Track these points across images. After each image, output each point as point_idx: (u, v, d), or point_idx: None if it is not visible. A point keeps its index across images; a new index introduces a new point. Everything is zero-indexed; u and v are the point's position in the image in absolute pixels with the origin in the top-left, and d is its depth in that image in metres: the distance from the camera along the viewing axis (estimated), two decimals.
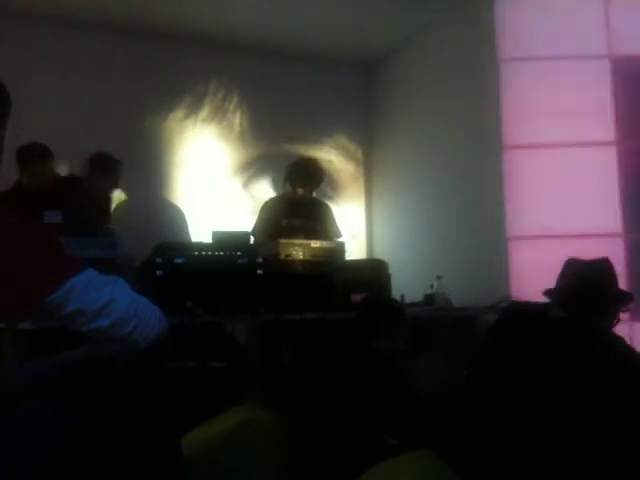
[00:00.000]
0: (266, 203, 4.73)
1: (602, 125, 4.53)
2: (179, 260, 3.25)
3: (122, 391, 1.68)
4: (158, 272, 3.20)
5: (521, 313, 2.18)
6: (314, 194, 4.63)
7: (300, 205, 4.53)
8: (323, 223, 4.59)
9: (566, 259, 2.61)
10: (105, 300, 1.58)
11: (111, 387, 1.65)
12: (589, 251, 2.77)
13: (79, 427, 1.57)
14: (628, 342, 2.39)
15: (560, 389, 1.89)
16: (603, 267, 2.54)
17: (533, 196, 4.45)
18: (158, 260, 3.23)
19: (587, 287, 2.44)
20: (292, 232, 4.22)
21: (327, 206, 4.75)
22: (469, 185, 4.84)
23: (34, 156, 4.05)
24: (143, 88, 5.34)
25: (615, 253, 4.06)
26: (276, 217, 4.48)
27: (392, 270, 3.97)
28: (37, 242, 1.58)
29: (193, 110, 5.71)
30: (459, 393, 2.20)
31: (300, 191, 4.51)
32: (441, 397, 2.34)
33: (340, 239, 4.46)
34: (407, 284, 4.12)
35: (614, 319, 2.43)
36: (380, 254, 5.68)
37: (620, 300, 2.48)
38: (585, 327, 2.30)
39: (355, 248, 5.84)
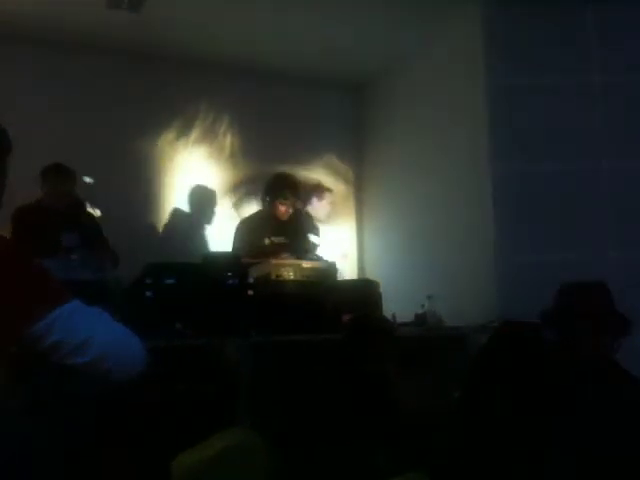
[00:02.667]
0: (243, 222, 4.70)
1: (593, 148, 4.55)
2: (169, 281, 3.22)
3: (122, 405, 1.66)
4: (148, 293, 3.17)
5: (515, 333, 2.17)
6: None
7: (280, 222, 4.51)
8: (303, 237, 4.57)
9: (561, 282, 2.60)
10: (86, 335, 1.54)
11: (111, 401, 1.63)
12: (579, 271, 2.76)
13: (78, 436, 1.55)
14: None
15: (556, 409, 1.88)
16: (599, 290, 2.53)
17: (524, 217, 4.44)
18: (148, 281, 3.20)
19: (583, 310, 2.43)
20: (275, 251, 4.20)
21: (307, 215, 4.73)
22: (460, 205, 4.84)
23: (54, 176, 4.12)
24: (133, 110, 5.34)
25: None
26: (257, 236, 4.45)
27: (383, 290, 3.96)
28: (20, 272, 1.55)
29: (184, 132, 5.71)
30: (451, 414, 2.18)
31: (282, 207, 4.49)
32: (433, 418, 2.32)
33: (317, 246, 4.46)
34: (398, 304, 4.10)
35: (612, 342, 2.41)
36: (371, 274, 5.67)
37: (617, 323, 2.45)
38: (580, 349, 2.29)
39: (346, 268, 5.83)
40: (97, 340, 1.55)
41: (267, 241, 4.43)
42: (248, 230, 4.55)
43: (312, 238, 4.64)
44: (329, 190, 5.88)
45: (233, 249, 4.40)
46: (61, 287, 1.59)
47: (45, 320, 1.49)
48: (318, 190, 5.75)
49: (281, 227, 4.51)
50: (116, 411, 1.70)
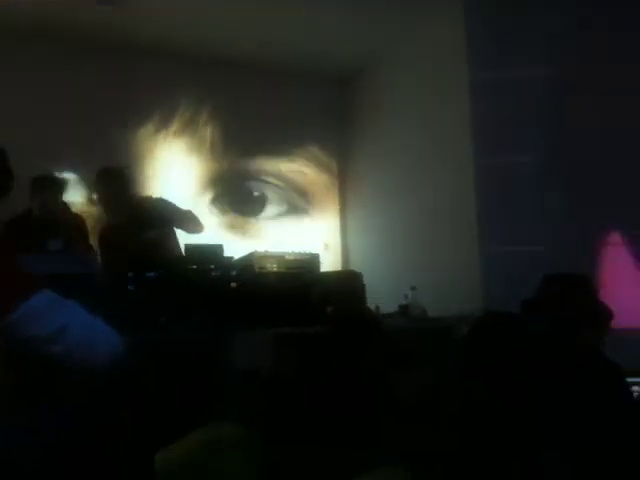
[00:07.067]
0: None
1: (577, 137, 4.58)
2: (151, 274, 3.20)
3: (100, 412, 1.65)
4: (130, 287, 3.15)
5: (497, 323, 2.18)
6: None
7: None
8: None
9: (544, 273, 2.61)
10: (59, 325, 1.54)
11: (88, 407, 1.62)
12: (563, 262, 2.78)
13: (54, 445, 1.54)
14: None
15: (541, 399, 1.89)
16: (582, 281, 2.54)
17: (508, 209, 4.46)
18: (129, 274, 3.17)
19: (565, 301, 2.44)
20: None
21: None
22: (443, 197, 4.86)
23: (44, 187, 4.15)
24: (113, 102, 5.29)
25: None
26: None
27: (367, 281, 3.96)
28: None
29: (164, 124, 5.67)
30: (435, 406, 2.19)
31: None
32: (419, 410, 2.32)
33: None
34: (382, 295, 4.11)
35: (596, 333, 2.42)
36: (355, 265, 5.67)
37: (600, 315, 2.47)
38: (563, 339, 2.30)
39: (329, 259, 5.83)
40: (71, 329, 1.55)
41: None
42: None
43: None
44: None
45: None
46: (29, 280, 1.58)
47: (16, 314, 1.49)
48: None
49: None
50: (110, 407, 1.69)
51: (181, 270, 3.32)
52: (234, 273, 3.47)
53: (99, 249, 4.42)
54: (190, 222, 4.28)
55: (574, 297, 2.46)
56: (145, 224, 4.17)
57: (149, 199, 4.48)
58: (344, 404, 2.36)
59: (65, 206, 4.40)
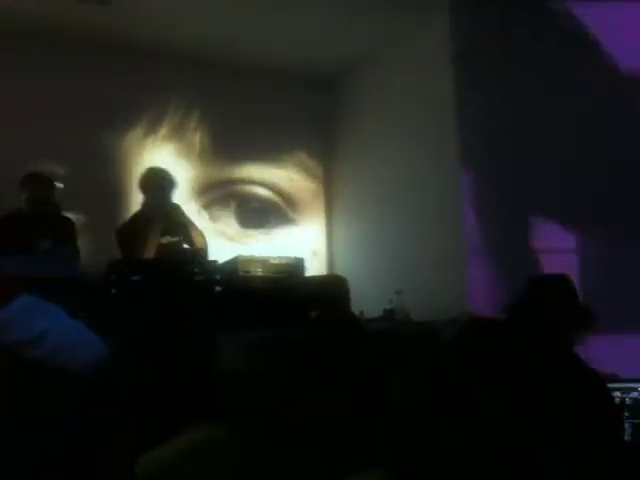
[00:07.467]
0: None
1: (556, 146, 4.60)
2: (135, 278, 3.19)
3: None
4: (113, 290, 3.14)
5: (482, 328, 2.18)
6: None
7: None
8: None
9: (527, 276, 2.61)
10: (41, 328, 1.53)
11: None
12: (546, 266, 2.79)
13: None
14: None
15: (529, 406, 1.89)
16: (563, 283, 2.54)
17: (493, 212, 4.47)
18: (113, 278, 3.16)
19: (548, 303, 2.44)
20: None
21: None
22: (429, 201, 4.86)
23: (32, 185, 4.17)
24: (101, 105, 5.27)
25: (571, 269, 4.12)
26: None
27: (353, 286, 3.96)
28: None
29: (152, 128, 5.65)
30: (420, 408, 2.19)
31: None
32: (403, 412, 2.32)
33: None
34: (369, 300, 4.11)
35: (577, 335, 2.41)
36: (341, 271, 5.67)
37: (581, 316, 2.46)
38: (546, 342, 2.30)
39: (315, 265, 5.82)
40: (52, 333, 1.54)
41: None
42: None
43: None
44: None
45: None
46: (7, 282, 1.57)
47: None
48: None
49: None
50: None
51: (166, 273, 3.31)
52: (218, 277, 3.47)
53: (120, 239, 4.39)
54: (199, 240, 4.36)
55: (557, 299, 2.45)
56: (171, 228, 4.26)
57: (179, 207, 4.53)
58: (331, 406, 2.36)
59: (56, 207, 4.39)
